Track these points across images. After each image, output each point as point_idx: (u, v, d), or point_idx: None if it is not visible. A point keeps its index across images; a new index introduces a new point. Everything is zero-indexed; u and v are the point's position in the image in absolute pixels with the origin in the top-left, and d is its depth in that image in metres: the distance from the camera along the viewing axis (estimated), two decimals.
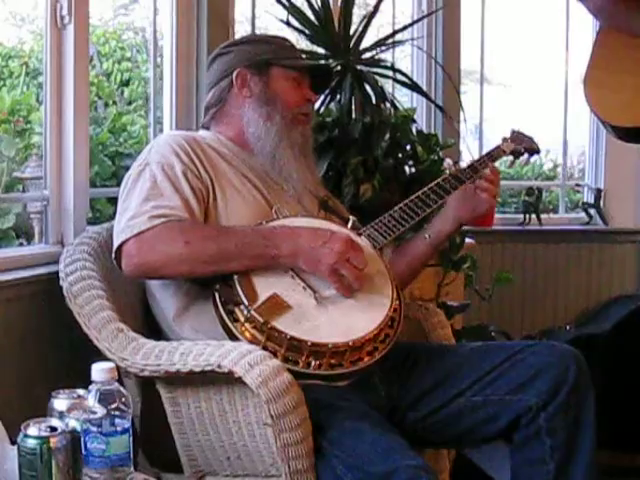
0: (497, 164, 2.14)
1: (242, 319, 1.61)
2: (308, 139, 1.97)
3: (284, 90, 1.93)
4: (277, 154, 1.89)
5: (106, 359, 1.56)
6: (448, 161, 2.03)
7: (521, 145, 2.21)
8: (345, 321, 1.65)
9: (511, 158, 2.23)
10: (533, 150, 2.24)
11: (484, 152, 2.20)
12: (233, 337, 1.61)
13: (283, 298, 1.64)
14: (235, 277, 1.65)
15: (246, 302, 1.61)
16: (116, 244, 1.71)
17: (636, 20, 2.23)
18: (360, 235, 1.83)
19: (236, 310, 1.62)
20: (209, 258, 1.66)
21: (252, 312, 1.59)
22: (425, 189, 1.96)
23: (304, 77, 1.96)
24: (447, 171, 2.00)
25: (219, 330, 1.64)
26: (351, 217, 1.89)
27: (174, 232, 1.67)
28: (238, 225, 1.75)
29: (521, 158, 2.25)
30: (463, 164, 2.07)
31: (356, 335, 1.62)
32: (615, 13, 2.28)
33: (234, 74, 1.93)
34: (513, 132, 2.23)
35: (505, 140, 2.20)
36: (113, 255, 1.73)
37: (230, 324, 1.62)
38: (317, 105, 2.55)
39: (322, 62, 2.07)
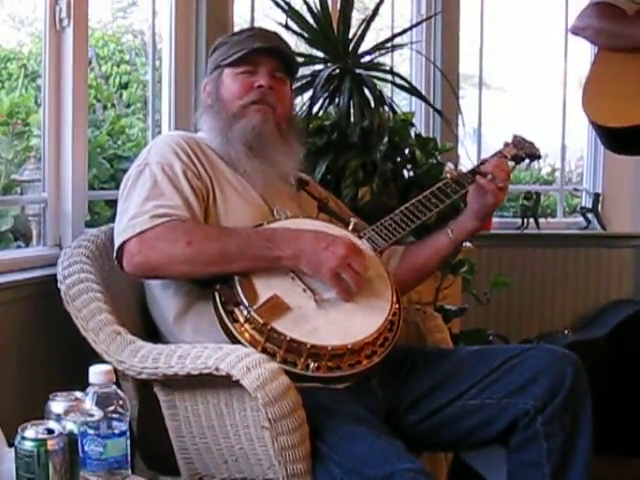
0: None
1: (242, 320, 1.61)
2: (261, 130, 1.86)
3: (228, 87, 1.91)
4: (229, 154, 1.87)
5: (104, 362, 1.56)
6: (450, 165, 2.02)
7: (522, 151, 2.20)
8: (344, 324, 1.65)
9: (512, 163, 2.22)
10: (534, 156, 2.24)
11: (485, 157, 2.19)
12: (232, 338, 1.61)
13: (283, 299, 1.64)
14: (236, 278, 1.65)
15: (246, 303, 1.61)
16: (117, 243, 1.70)
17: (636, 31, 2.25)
18: (361, 238, 1.83)
19: (236, 310, 1.62)
20: (210, 259, 1.66)
21: (252, 313, 1.59)
22: (426, 193, 1.96)
23: (260, 66, 1.90)
24: (448, 175, 1.99)
25: (219, 331, 1.64)
26: (352, 219, 1.88)
27: (176, 232, 1.67)
28: (240, 226, 1.74)
29: (522, 163, 2.26)
30: (464, 168, 2.06)
31: (355, 338, 1.62)
32: (615, 31, 2.29)
33: (202, 87, 2.00)
34: (515, 137, 2.23)
35: (507, 145, 2.19)
36: (114, 254, 1.73)
37: (229, 324, 1.62)
38: (316, 108, 2.55)
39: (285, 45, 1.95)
